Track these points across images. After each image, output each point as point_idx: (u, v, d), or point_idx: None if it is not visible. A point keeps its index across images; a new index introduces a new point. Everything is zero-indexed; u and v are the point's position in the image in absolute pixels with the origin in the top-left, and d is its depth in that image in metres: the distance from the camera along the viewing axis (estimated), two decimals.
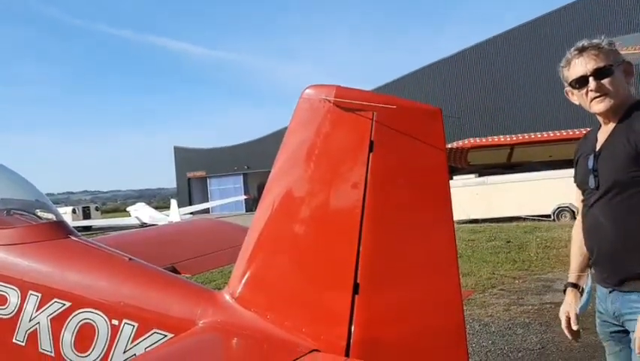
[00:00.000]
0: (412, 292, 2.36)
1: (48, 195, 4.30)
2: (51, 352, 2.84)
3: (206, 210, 44.21)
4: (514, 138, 23.94)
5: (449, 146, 22.08)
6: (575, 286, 2.83)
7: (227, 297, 2.62)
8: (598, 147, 2.62)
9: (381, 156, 2.36)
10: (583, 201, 2.72)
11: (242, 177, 51.65)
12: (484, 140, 24.26)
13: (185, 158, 55.75)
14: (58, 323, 2.83)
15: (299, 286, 2.46)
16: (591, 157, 2.63)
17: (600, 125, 2.68)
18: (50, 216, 3.61)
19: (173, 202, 34.34)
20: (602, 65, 2.51)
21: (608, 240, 2.54)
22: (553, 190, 19.46)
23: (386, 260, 2.36)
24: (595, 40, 2.59)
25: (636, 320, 2.43)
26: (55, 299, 2.86)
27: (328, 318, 2.38)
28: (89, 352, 2.74)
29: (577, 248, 2.83)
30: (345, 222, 2.39)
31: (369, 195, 2.34)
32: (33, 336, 2.90)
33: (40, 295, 2.91)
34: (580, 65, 2.56)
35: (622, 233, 2.49)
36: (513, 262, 11.12)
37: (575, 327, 2.78)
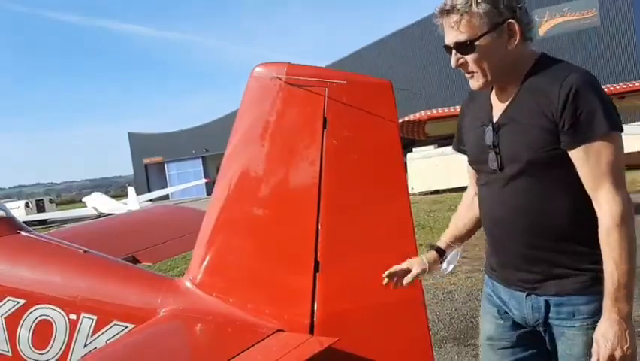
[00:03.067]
0: (371, 266, 2.37)
1: None
2: (8, 351, 2.76)
3: (166, 197, 43.61)
4: None
5: (406, 119, 22.25)
6: (439, 251, 2.33)
7: (188, 283, 2.59)
8: (496, 117, 2.06)
9: (335, 131, 2.34)
10: (480, 182, 2.20)
11: (201, 160, 51.07)
12: (440, 111, 24.53)
13: (140, 144, 54.70)
14: (13, 321, 2.75)
15: (259, 268, 2.45)
16: (488, 129, 2.06)
17: (491, 88, 2.12)
18: None
19: (131, 190, 33.67)
20: (462, 39, 1.94)
21: (522, 234, 2.02)
22: None
23: (345, 236, 2.36)
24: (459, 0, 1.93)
25: (569, 326, 2.00)
26: (9, 298, 2.77)
27: (291, 298, 2.38)
28: (47, 348, 2.68)
29: (458, 220, 2.39)
30: (303, 200, 2.38)
31: (325, 171, 2.33)
32: None
33: None
34: (445, 31, 2.01)
35: (541, 225, 1.99)
36: None
37: (405, 282, 2.22)
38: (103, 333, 2.58)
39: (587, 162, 1.86)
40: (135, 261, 3.92)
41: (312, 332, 2.31)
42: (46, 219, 34.03)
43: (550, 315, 2.04)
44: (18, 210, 34.05)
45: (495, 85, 2.06)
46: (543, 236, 2.00)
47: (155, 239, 4.58)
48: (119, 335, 2.55)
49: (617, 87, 11.64)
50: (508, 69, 1.99)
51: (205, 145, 48.22)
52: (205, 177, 46.01)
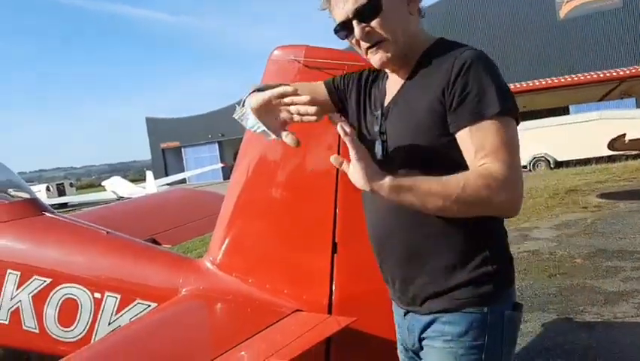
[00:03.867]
0: None
1: (19, 174, 4.23)
2: (35, 328, 2.84)
3: (183, 181, 43.89)
4: None
5: None
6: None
7: (208, 264, 2.64)
8: (387, 102, 1.78)
9: None
10: None
11: (217, 145, 51.24)
12: None
13: (157, 128, 55.01)
14: (40, 299, 2.83)
15: (278, 249, 2.49)
16: (378, 115, 1.78)
17: (387, 75, 1.84)
18: (23, 194, 3.56)
19: (149, 174, 33.94)
20: (364, 1, 1.63)
21: (400, 240, 1.72)
22: (528, 141, 19.77)
23: (362, 218, 2.38)
24: None
25: (428, 346, 1.72)
26: (35, 276, 2.85)
27: (309, 278, 2.41)
28: (73, 326, 2.75)
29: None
30: (321, 183, 2.40)
31: (343, 155, 2.34)
32: (16, 314, 2.90)
33: (19, 273, 2.89)
34: (339, 5, 1.68)
35: (421, 230, 1.66)
36: None
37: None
38: (126, 311, 2.65)
39: (472, 144, 1.54)
40: (155, 243, 3.99)
41: (330, 311, 2.35)
42: (66, 203, 34.50)
43: (421, 339, 1.75)
44: (39, 193, 34.40)
45: (394, 65, 1.74)
46: (423, 243, 1.68)
47: (175, 222, 4.66)
48: (141, 314, 2.61)
49: None
50: (411, 41, 1.70)
51: (221, 130, 48.31)
52: (221, 162, 46.20)
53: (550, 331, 4.82)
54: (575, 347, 4.38)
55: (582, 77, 11.50)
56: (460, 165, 1.56)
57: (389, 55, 1.68)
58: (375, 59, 1.70)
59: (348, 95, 1.93)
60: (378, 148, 1.75)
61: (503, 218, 1.69)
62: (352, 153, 1.49)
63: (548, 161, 20.33)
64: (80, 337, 2.73)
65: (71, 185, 48.68)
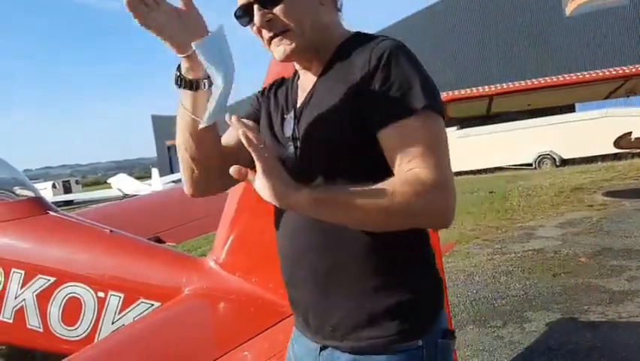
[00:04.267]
0: None
1: (25, 171, 4.26)
2: (39, 327, 2.86)
3: None
4: (493, 89, 24.03)
5: None
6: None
7: (212, 263, 2.64)
8: (299, 104, 1.55)
9: None
10: None
11: None
12: (462, 92, 24.31)
13: (163, 126, 54.91)
14: (44, 298, 2.84)
15: None
16: (289, 117, 1.55)
17: (298, 75, 1.63)
18: (28, 193, 3.57)
19: (155, 172, 34.01)
20: None
21: (316, 261, 1.45)
22: (534, 138, 19.75)
23: None
24: None
25: None
26: (39, 275, 2.87)
27: None
28: (77, 325, 2.77)
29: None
30: None
31: None
32: (20, 313, 2.91)
33: (23, 272, 2.91)
34: None
35: (339, 248, 1.42)
36: (496, 212, 11.27)
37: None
38: (130, 311, 2.66)
39: (396, 145, 1.33)
40: (160, 241, 3.99)
41: None
42: (72, 200, 34.64)
43: None
44: (45, 191, 34.70)
45: (305, 61, 1.54)
46: (342, 259, 1.42)
47: (179, 220, 4.66)
48: (145, 313, 2.62)
49: None
50: (322, 34, 1.50)
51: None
52: None
53: (554, 330, 4.80)
54: (579, 346, 4.36)
55: (588, 75, 11.46)
56: (381, 168, 1.34)
57: (293, 46, 1.46)
58: (279, 51, 1.47)
59: (261, 113, 1.70)
60: (290, 154, 1.50)
61: (433, 229, 1.43)
62: (258, 166, 1.24)
63: (554, 159, 20.27)
64: (83, 336, 2.74)
65: (77, 182, 48.91)
